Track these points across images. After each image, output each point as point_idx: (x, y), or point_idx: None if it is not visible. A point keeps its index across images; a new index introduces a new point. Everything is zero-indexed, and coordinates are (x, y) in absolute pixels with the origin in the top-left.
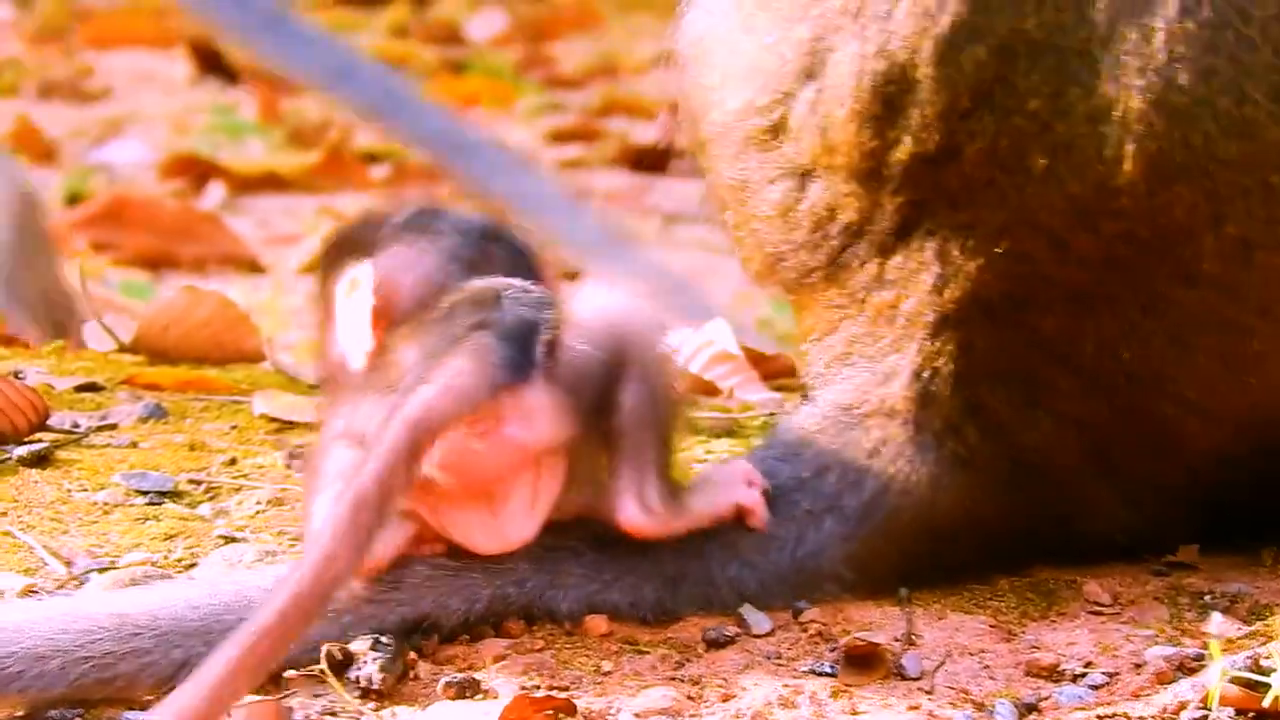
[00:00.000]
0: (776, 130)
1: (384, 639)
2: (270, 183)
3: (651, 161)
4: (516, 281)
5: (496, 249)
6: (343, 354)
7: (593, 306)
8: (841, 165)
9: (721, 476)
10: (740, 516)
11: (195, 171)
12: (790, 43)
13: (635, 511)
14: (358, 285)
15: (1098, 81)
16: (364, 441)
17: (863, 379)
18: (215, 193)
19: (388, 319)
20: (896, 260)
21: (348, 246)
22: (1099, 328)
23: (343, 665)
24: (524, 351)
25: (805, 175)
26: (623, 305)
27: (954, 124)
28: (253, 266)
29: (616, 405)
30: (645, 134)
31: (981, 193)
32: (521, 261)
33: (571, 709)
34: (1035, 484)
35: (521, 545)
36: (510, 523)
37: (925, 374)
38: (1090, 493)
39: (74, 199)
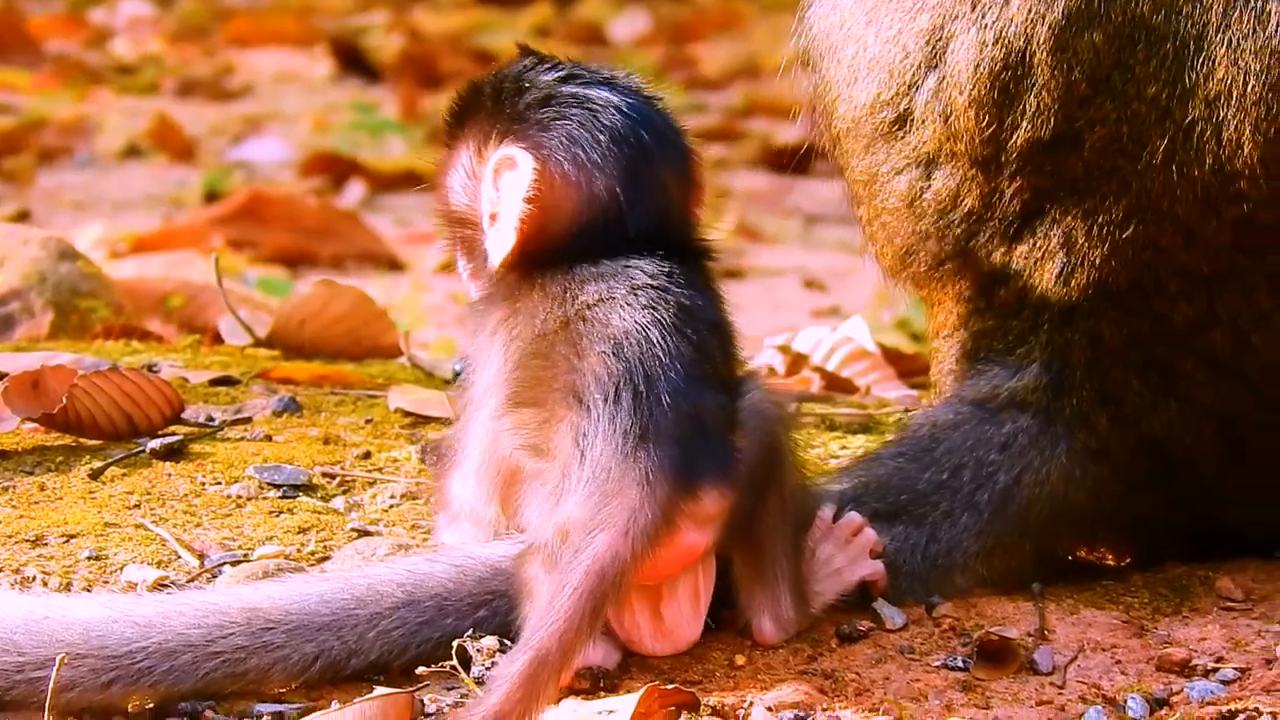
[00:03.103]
0: (902, 120)
1: (512, 636)
2: (410, 181)
3: (793, 162)
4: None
5: (659, 149)
6: (478, 242)
7: (749, 407)
8: (963, 152)
9: (842, 557)
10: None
11: (335, 169)
12: (912, 34)
13: (772, 629)
14: (514, 168)
15: (1214, 66)
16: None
17: (993, 372)
18: (354, 190)
19: (540, 218)
20: (1022, 249)
21: (496, 112)
22: (1229, 314)
23: (473, 661)
24: (698, 459)
25: (930, 164)
26: (774, 408)
27: (1073, 110)
28: (391, 264)
29: (762, 510)
30: (787, 134)
31: (1104, 179)
32: (681, 169)
33: (695, 704)
34: (1167, 476)
35: (689, 646)
36: (678, 624)
37: (1055, 365)
38: (1224, 485)
39: (213, 196)
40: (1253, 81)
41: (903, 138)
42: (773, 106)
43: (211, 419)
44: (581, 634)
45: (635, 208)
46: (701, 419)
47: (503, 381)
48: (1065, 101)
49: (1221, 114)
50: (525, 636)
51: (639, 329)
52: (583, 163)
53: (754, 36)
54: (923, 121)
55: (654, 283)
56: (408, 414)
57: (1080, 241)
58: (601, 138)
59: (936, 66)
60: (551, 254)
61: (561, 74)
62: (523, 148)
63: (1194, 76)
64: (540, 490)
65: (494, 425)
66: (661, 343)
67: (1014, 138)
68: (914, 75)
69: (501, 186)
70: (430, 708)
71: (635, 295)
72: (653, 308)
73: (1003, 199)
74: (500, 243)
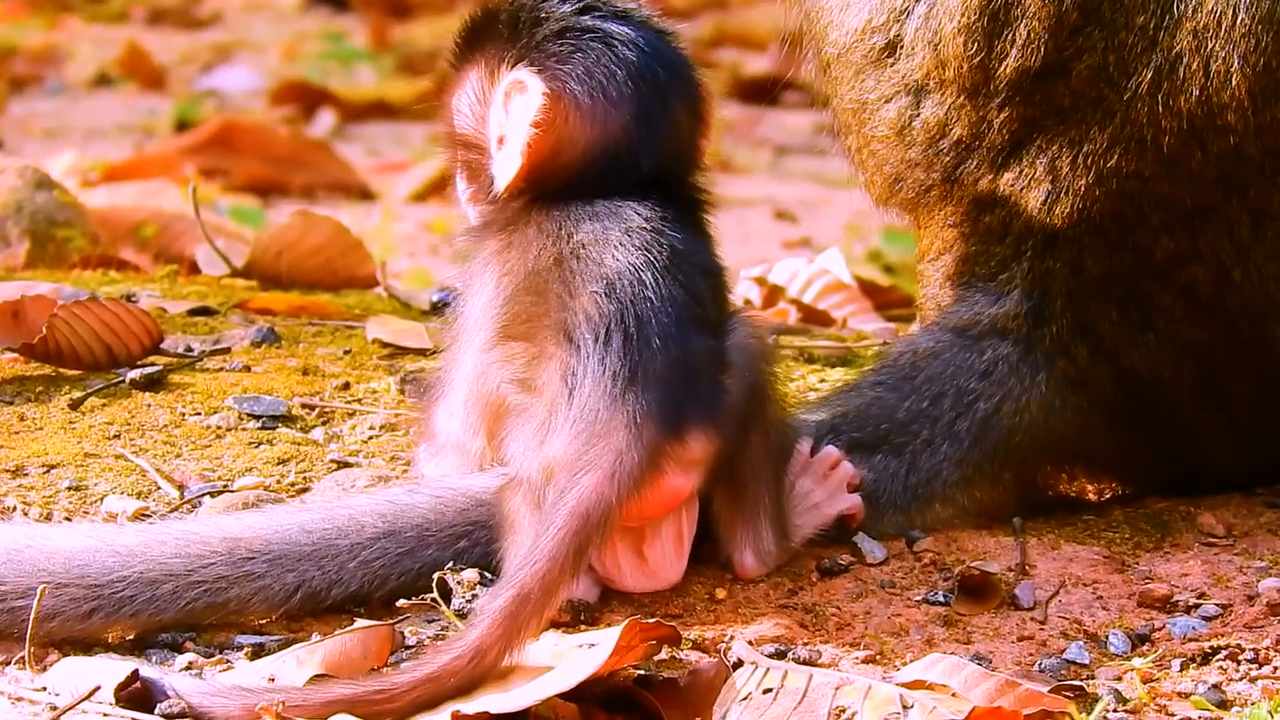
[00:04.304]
0: (892, 47)
1: (492, 569)
2: (380, 110)
3: (762, 93)
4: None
5: (673, 86)
6: (483, 166)
7: (734, 347)
8: (951, 80)
9: (821, 491)
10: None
11: (305, 98)
12: None
13: (753, 563)
14: (524, 91)
15: (1204, 7)
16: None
17: (975, 298)
18: (325, 120)
19: (549, 146)
20: (1008, 177)
21: (510, 38)
22: (1210, 249)
23: (453, 594)
24: (685, 403)
25: (919, 92)
26: (757, 345)
27: (1062, 40)
28: (363, 193)
29: (745, 447)
30: (756, 65)
31: (1090, 109)
32: (693, 107)
33: (677, 638)
34: (1145, 410)
35: (671, 586)
36: (661, 565)
37: (1036, 292)
38: (1200, 422)
39: (183, 125)
40: (1241, 14)
41: (892, 65)
42: (742, 37)
43: (190, 349)
44: (565, 574)
45: (647, 144)
46: (690, 363)
47: (493, 315)
48: (1055, 30)
49: (1210, 45)
50: (508, 574)
51: (632, 270)
52: (597, 94)
53: None
54: (912, 49)
55: (648, 225)
56: (386, 345)
57: (1065, 170)
58: (618, 72)
59: (917, 8)
60: (557, 184)
61: (578, 5)
62: (535, 73)
63: (1182, 7)
64: (526, 426)
65: (482, 358)
66: (654, 285)
67: (1003, 66)
68: (904, 1)
69: (511, 110)
70: (411, 640)
71: (630, 236)
72: (646, 250)
73: (991, 128)
74: (506, 166)
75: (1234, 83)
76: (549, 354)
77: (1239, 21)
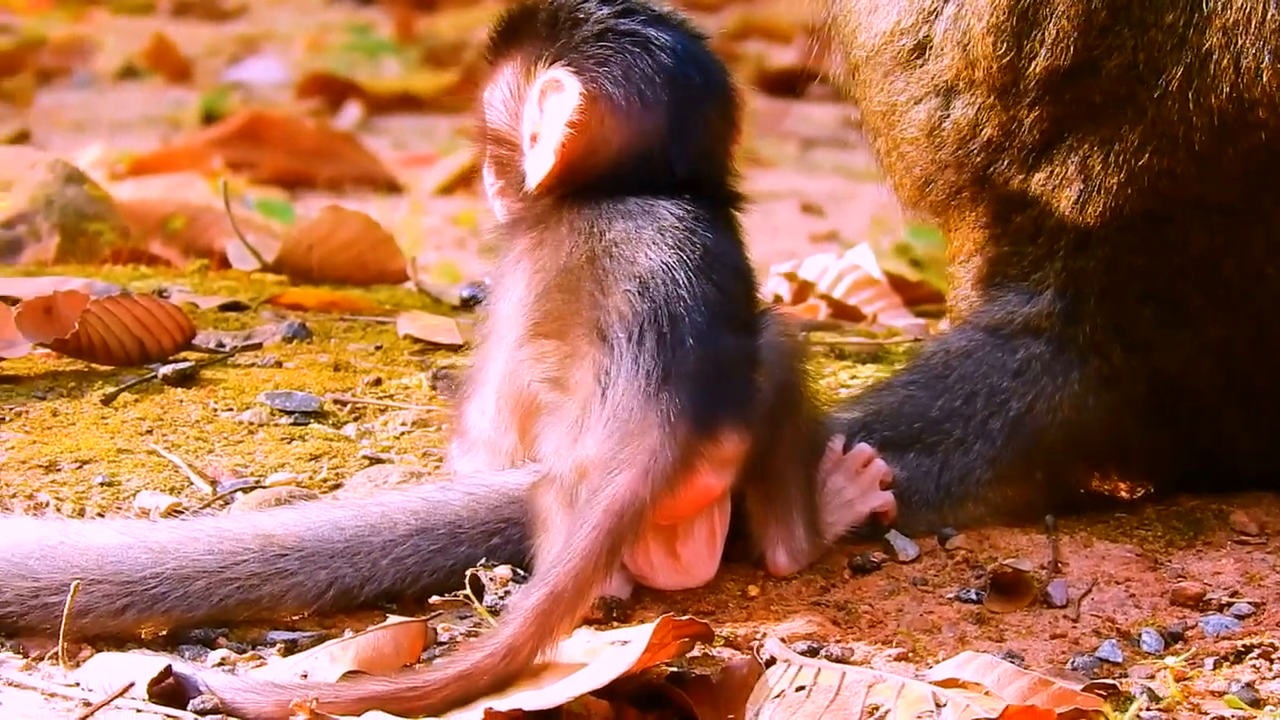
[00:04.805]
0: (921, 48)
1: (525, 565)
2: (406, 103)
3: (789, 85)
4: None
5: (708, 92)
6: (514, 162)
7: (765, 345)
8: (981, 80)
9: (853, 488)
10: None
11: (331, 91)
12: None
13: (786, 560)
14: (560, 90)
15: (1233, 4)
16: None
17: (1008, 298)
18: (351, 112)
19: (583, 146)
20: (1039, 177)
21: (548, 37)
22: (1243, 246)
23: (486, 590)
24: (719, 402)
25: (948, 93)
26: (788, 342)
27: (1091, 39)
28: (389, 186)
29: (776, 444)
30: (782, 57)
31: (1121, 107)
32: (726, 113)
33: (709, 635)
34: (1176, 408)
35: (703, 584)
36: (693, 562)
37: (1069, 291)
38: (1231, 420)
39: (210, 117)
40: (1272, 9)
41: (922, 66)
42: (768, 29)
43: (222, 345)
44: (598, 572)
45: (680, 148)
46: (723, 361)
47: (524, 312)
48: (1084, 29)
49: (1240, 42)
50: (542, 572)
51: (665, 269)
52: (633, 97)
53: None
54: (941, 49)
55: (681, 224)
56: (417, 340)
57: (1097, 169)
58: (655, 76)
59: (946, 10)
60: (588, 184)
61: (618, 8)
62: (571, 73)
63: (1212, 4)
64: (559, 424)
65: (514, 355)
66: (687, 284)
67: (1032, 65)
68: (933, 3)
69: (546, 109)
70: (443, 636)
71: (662, 235)
72: (679, 248)
73: (1021, 127)
74: (539, 164)
75: (1265, 79)
76: (582, 353)
77: (1269, 18)
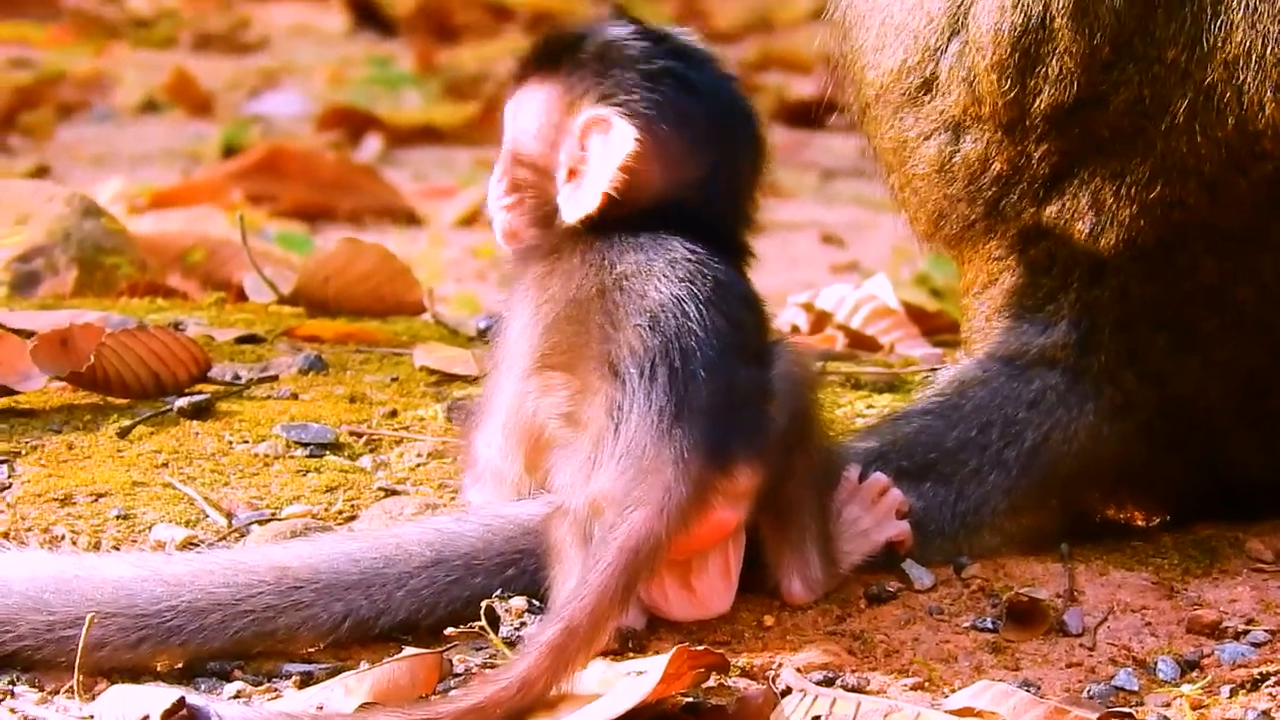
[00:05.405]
0: (928, 85)
1: (540, 596)
2: (427, 135)
3: (808, 116)
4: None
5: (746, 139)
6: (542, 188)
7: (778, 376)
8: (988, 116)
9: (869, 518)
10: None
11: (352, 123)
12: (1006, 23)
13: (801, 590)
14: (606, 130)
15: (1232, 30)
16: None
17: (1023, 329)
18: (371, 145)
19: (628, 187)
20: (1051, 210)
21: (597, 71)
22: (1256, 272)
23: (501, 622)
24: (732, 436)
25: (957, 128)
26: (801, 372)
27: (1095, 74)
28: (409, 218)
29: (789, 474)
30: (802, 88)
31: (1129, 141)
32: (756, 159)
33: (725, 665)
34: (1190, 434)
35: (718, 615)
36: (708, 595)
37: (1083, 322)
38: (1241, 444)
39: (230, 150)
40: (1271, 44)
41: (929, 102)
42: (787, 60)
43: (238, 377)
44: (613, 609)
45: (714, 194)
46: (735, 395)
47: (532, 343)
48: (1088, 65)
49: (1241, 76)
50: (557, 607)
51: (675, 302)
52: (684, 144)
53: None
54: (948, 86)
55: (692, 257)
56: (433, 372)
57: (1109, 201)
58: (704, 124)
59: (959, 31)
60: (617, 219)
61: (667, 49)
62: (623, 115)
63: (1212, 40)
64: (573, 458)
65: (521, 386)
66: (698, 317)
67: (1037, 101)
68: (938, 40)
69: (590, 146)
70: (459, 668)
71: (673, 268)
72: (690, 281)
73: (1030, 162)
74: (581, 200)
75: (1269, 111)
76: (594, 388)
77: (1269, 52)
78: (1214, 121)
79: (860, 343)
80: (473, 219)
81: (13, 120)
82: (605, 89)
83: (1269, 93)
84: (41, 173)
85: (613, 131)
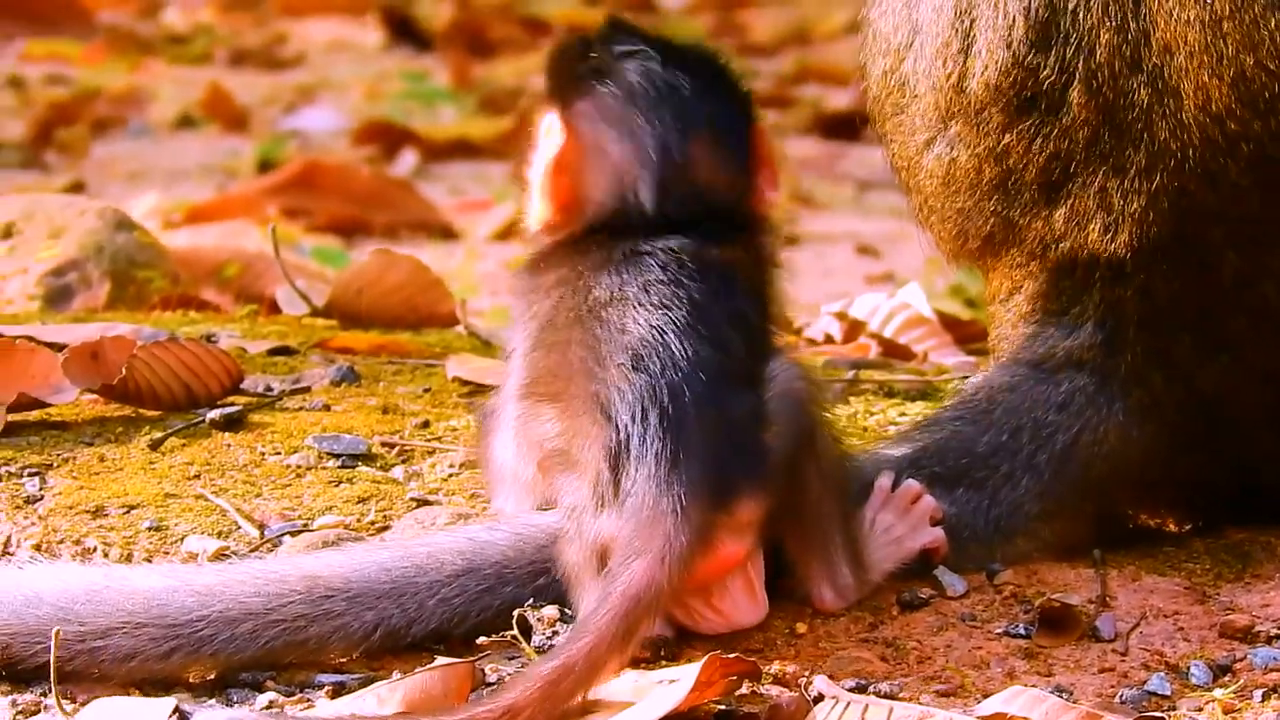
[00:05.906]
0: (903, 91)
1: (572, 605)
2: (462, 149)
3: (845, 128)
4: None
5: (713, 135)
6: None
7: (777, 394)
8: (959, 120)
9: (902, 525)
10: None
11: (387, 138)
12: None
13: (832, 597)
14: (549, 132)
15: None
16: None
17: (1049, 333)
18: (407, 159)
19: (567, 188)
20: (1061, 213)
21: (552, 75)
22: (1276, 267)
23: (533, 630)
24: (730, 470)
25: (941, 136)
26: (801, 385)
27: (1032, 65)
28: (445, 232)
29: (801, 487)
30: (838, 100)
31: (1113, 134)
32: (734, 147)
33: (757, 673)
34: (1218, 434)
35: (753, 626)
36: (735, 613)
37: (1108, 322)
38: (1271, 443)
39: (266, 165)
40: (1192, 32)
41: (912, 110)
42: (824, 72)
43: (270, 389)
44: (612, 652)
45: (662, 184)
46: (730, 426)
47: (522, 364)
48: (1019, 57)
49: (1183, 63)
50: (560, 644)
51: (656, 335)
52: (604, 135)
53: (804, 2)
54: (916, 90)
55: (666, 277)
56: (466, 383)
57: (1115, 198)
58: (627, 112)
59: (918, 32)
60: (583, 228)
61: (627, 47)
62: (558, 113)
63: (1144, 24)
64: (573, 493)
65: (516, 406)
66: (680, 349)
67: (998, 101)
68: (901, 38)
69: (541, 150)
70: (491, 677)
71: (647, 294)
72: (666, 308)
73: (1021, 166)
74: (534, 208)
75: (1219, 95)
76: (586, 431)
77: (1189, 38)
78: (1179, 107)
79: (893, 351)
80: (508, 233)
81: (49, 136)
82: (551, 92)
83: (1207, 77)
84: (77, 188)
85: (550, 132)
